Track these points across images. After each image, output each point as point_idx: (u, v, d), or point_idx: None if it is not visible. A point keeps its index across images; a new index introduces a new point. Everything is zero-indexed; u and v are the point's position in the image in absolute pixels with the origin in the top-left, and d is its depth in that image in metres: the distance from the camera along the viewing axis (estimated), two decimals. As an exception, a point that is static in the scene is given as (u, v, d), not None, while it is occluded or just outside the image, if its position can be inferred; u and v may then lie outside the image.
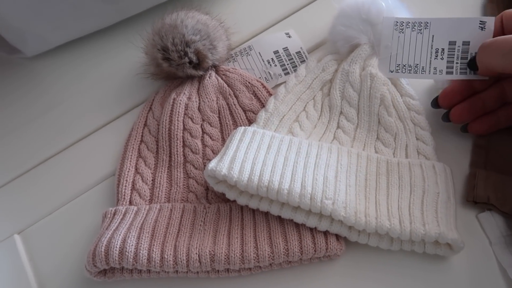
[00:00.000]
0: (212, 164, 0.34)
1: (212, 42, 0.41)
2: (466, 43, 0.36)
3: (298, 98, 0.40)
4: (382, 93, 0.39)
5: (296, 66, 0.45)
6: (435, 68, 0.37)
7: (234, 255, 0.33)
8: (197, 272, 0.34)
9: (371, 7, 0.39)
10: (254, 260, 0.33)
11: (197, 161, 0.40)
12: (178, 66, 0.40)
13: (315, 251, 0.33)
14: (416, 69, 0.37)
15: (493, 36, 0.35)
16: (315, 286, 0.35)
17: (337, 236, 0.34)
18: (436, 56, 0.37)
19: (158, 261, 0.33)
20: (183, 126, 0.41)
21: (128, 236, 0.34)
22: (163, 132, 0.41)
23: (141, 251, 0.33)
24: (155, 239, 0.34)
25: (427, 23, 0.37)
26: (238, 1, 0.50)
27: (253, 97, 0.42)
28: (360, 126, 0.39)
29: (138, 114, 0.43)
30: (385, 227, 0.32)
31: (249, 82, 0.42)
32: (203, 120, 0.41)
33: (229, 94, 0.42)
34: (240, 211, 0.36)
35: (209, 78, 0.42)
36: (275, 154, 0.35)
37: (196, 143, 0.40)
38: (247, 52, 0.46)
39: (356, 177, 0.35)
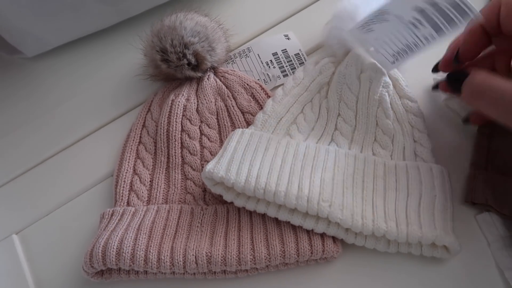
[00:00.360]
0: (209, 166, 0.34)
1: (210, 44, 0.41)
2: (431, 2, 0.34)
3: (296, 101, 0.40)
4: (380, 96, 0.39)
5: (294, 68, 0.45)
6: (425, 38, 0.35)
7: (230, 256, 0.33)
8: (194, 274, 0.34)
9: (364, 10, 0.39)
10: (250, 261, 0.33)
11: (195, 163, 0.40)
12: (177, 67, 0.40)
13: (311, 253, 0.33)
14: (410, 48, 0.37)
15: (486, 22, 0.33)
16: (311, 287, 0.35)
17: (334, 238, 0.34)
18: (416, 27, 0.35)
19: (155, 262, 0.33)
20: (181, 127, 0.41)
21: (125, 237, 0.34)
22: (161, 134, 0.41)
23: (138, 252, 0.33)
24: (152, 240, 0.34)
25: (384, 10, 0.36)
26: (237, 3, 0.50)
27: (252, 99, 0.42)
28: (358, 128, 0.39)
29: (136, 115, 0.43)
30: (382, 229, 0.32)
31: (247, 84, 0.42)
32: (201, 122, 0.41)
33: (228, 96, 0.42)
34: (237, 213, 0.36)
35: (208, 79, 0.43)
36: (273, 157, 0.35)
37: (194, 145, 0.40)
38: (246, 54, 0.46)
39: (353, 179, 0.35)
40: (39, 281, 0.38)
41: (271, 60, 0.45)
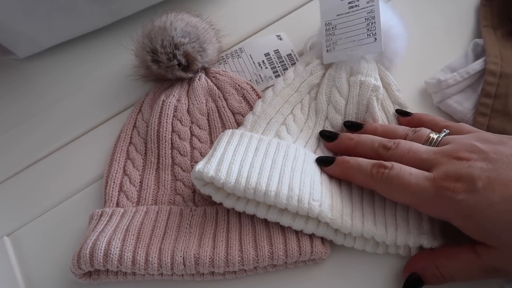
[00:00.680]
0: (199, 166, 0.34)
1: (201, 44, 0.41)
2: None
3: (285, 101, 0.40)
4: (368, 101, 0.39)
5: (287, 68, 0.45)
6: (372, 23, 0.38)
7: (218, 258, 0.32)
8: (182, 275, 0.34)
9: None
10: (238, 263, 0.32)
11: (185, 164, 0.40)
12: (167, 68, 0.40)
13: (300, 254, 0.33)
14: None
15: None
16: (300, 289, 0.34)
17: (323, 240, 0.34)
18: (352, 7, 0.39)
19: (143, 264, 0.33)
20: (172, 128, 0.41)
21: (113, 238, 0.34)
22: (152, 134, 0.41)
23: (125, 254, 0.33)
24: (140, 241, 0.34)
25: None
26: (230, 4, 0.50)
27: (242, 100, 0.42)
28: (345, 132, 0.39)
29: (127, 116, 0.43)
30: (371, 231, 0.32)
31: (238, 85, 0.42)
32: (192, 123, 0.41)
33: (219, 97, 0.42)
34: (226, 214, 0.36)
35: (199, 80, 0.42)
36: (263, 157, 0.35)
37: (185, 145, 0.40)
38: (238, 55, 0.46)
39: (341, 184, 0.36)
40: (31, 283, 0.38)
41: (263, 61, 0.45)
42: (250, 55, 0.46)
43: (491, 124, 0.38)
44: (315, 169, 0.35)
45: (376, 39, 0.38)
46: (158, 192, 0.39)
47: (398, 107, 0.40)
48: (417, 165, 0.31)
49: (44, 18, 0.43)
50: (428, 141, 0.34)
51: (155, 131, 0.41)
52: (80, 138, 0.44)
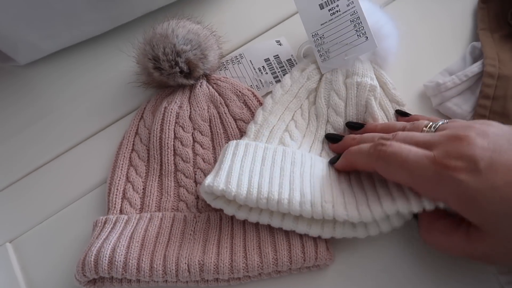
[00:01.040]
0: (208, 180, 0.34)
1: (203, 51, 0.41)
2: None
3: (285, 108, 0.40)
4: (366, 101, 0.40)
5: (287, 73, 0.45)
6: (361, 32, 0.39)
7: (223, 264, 0.33)
8: (187, 282, 0.34)
9: None
10: (243, 270, 0.33)
11: (188, 170, 0.40)
12: (169, 75, 0.40)
13: (304, 260, 0.33)
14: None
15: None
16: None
17: (327, 245, 0.34)
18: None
19: (148, 271, 0.33)
20: (174, 134, 0.41)
21: (118, 246, 0.34)
22: (154, 141, 0.41)
23: (130, 261, 0.33)
24: (145, 248, 0.34)
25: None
26: (230, 10, 0.50)
27: (244, 106, 0.42)
28: (347, 134, 0.39)
29: (129, 123, 0.43)
30: (390, 206, 0.32)
31: (239, 91, 0.43)
32: (194, 129, 0.42)
33: (220, 103, 0.42)
34: (230, 220, 0.36)
35: (200, 87, 0.43)
36: (271, 166, 0.35)
37: (187, 152, 0.40)
38: (238, 60, 0.46)
39: (350, 178, 0.36)
40: (33, 290, 0.38)
41: (263, 66, 0.46)
42: (250, 60, 0.46)
43: None
44: (323, 172, 0.36)
45: (367, 37, 0.38)
46: (161, 198, 0.39)
47: (396, 105, 0.40)
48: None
49: (44, 25, 0.43)
50: (425, 129, 0.33)
51: (158, 138, 0.41)
52: (82, 144, 0.44)
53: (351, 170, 0.36)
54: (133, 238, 0.35)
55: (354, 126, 0.39)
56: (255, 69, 0.46)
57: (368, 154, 0.32)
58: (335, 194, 0.33)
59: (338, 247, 0.35)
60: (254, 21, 0.49)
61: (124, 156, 0.41)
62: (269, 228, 0.35)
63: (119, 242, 0.34)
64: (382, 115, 0.40)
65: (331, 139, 0.39)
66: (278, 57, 0.46)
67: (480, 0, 0.46)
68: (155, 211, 0.38)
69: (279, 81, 0.45)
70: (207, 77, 0.43)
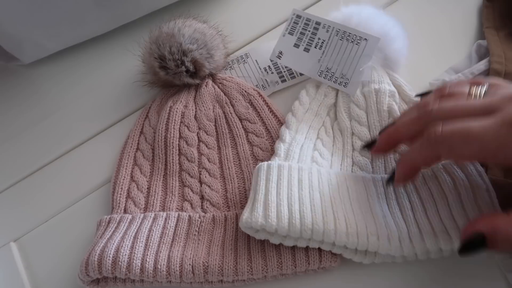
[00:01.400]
0: (246, 215, 0.32)
1: (209, 51, 0.41)
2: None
3: (309, 127, 0.39)
4: (389, 106, 0.39)
5: (292, 73, 0.45)
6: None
7: (228, 267, 0.32)
8: (191, 283, 0.34)
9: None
10: (247, 272, 0.32)
11: (193, 170, 0.40)
12: (175, 74, 0.40)
13: (308, 264, 0.33)
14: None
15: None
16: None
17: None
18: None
19: (152, 271, 0.33)
20: (179, 134, 0.41)
21: (122, 246, 0.33)
22: (159, 140, 0.41)
23: (134, 261, 0.33)
24: (149, 248, 0.34)
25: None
26: (235, 9, 0.50)
27: (249, 106, 0.42)
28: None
29: (134, 122, 0.43)
30: (434, 244, 0.32)
31: (245, 91, 0.42)
32: (199, 129, 0.41)
33: (226, 103, 0.42)
34: (235, 221, 0.36)
35: (206, 86, 0.42)
36: (309, 190, 0.34)
37: (192, 152, 0.40)
38: (244, 60, 0.46)
39: (388, 205, 0.35)
40: (37, 289, 0.38)
41: (269, 66, 0.45)
42: (256, 60, 0.46)
43: None
44: (360, 196, 0.35)
45: (365, 38, 0.38)
46: (165, 198, 0.39)
47: None
48: (471, 116, 0.27)
49: (48, 24, 0.43)
50: (471, 93, 0.29)
51: (163, 137, 0.41)
52: (86, 143, 0.44)
53: (414, 177, 0.32)
54: (137, 238, 0.34)
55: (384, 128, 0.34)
56: (261, 69, 0.45)
57: (424, 146, 0.28)
58: (379, 225, 0.32)
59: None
60: (259, 20, 0.49)
61: (129, 155, 0.41)
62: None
63: (123, 242, 0.34)
64: None
65: (366, 146, 0.35)
66: (284, 57, 0.46)
67: (485, -1, 0.46)
68: (160, 211, 0.38)
69: (284, 80, 0.44)
70: (212, 76, 0.43)
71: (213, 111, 0.42)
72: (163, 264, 0.33)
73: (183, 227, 0.36)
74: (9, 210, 0.42)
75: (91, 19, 0.45)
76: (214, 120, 0.42)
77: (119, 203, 0.38)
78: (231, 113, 0.41)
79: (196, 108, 0.42)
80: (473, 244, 0.27)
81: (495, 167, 0.37)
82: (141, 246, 0.34)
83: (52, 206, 0.41)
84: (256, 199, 0.33)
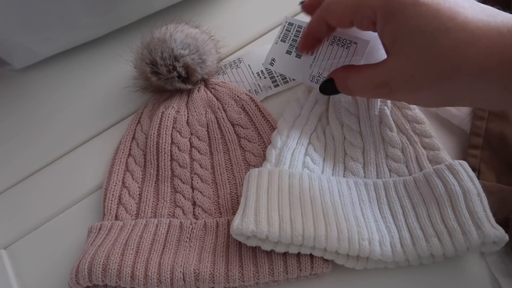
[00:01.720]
0: (236, 222, 0.32)
1: (201, 56, 0.41)
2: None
3: (301, 132, 0.39)
4: (380, 110, 0.39)
5: (285, 78, 0.45)
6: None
7: (219, 274, 0.32)
8: (182, 290, 0.34)
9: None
10: (239, 279, 0.32)
11: (185, 175, 0.39)
12: (167, 80, 0.40)
13: (300, 270, 0.32)
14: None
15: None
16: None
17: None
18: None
19: (142, 279, 0.32)
20: (171, 139, 0.41)
21: (112, 253, 0.33)
22: (151, 146, 0.40)
23: (124, 269, 0.32)
24: (140, 256, 0.34)
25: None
26: (228, 14, 0.50)
27: (242, 111, 0.42)
28: (366, 149, 0.38)
29: (126, 127, 0.43)
30: (425, 249, 0.32)
31: (237, 96, 0.42)
32: (192, 134, 0.41)
33: (218, 108, 0.42)
34: (226, 227, 0.36)
35: (198, 91, 0.42)
36: (300, 195, 0.34)
37: (184, 157, 0.40)
38: (237, 65, 0.46)
39: (380, 209, 0.35)
40: (28, 297, 0.37)
41: (262, 71, 0.45)
42: (248, 65, 0.46)
43: (489, 127, 0.39)
44: (353, 200, 0.35)
45: (355, 42, 0.38)
46: (157, 204, 0.39)
47: (406, 110, 0.39)
48: None
49: (40, 29, 0.43)
50: None
51: (155, 143, 0.40)
52: (78, 148, 0.44)
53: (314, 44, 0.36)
54: (128, 245, 0.34)
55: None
56: (253, 74, 0.45)
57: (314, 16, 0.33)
58: (370, 229, 0.33)
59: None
60: (252, 25, 0.49)
61: (121, 161, 0.41)
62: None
63: (114, 249, 0.34)
64: (399, 123, 0.39)
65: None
66: (277, 61, 0.46)
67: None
68: (151, 217, 0.38)
69: (277, 85, 0.44)
70: (205, 81, 0.43)
71: (206, 116, 0.42)
72: (154, 272, 0.33)
73: (174, 234, 0.36)
74: (0, 217, 0.41)
75: (83, 24, 0.45)
76: (206, 125, 0.41)
77: (111, 209, 0.38)
78: (223, 118, 0.41)
79: (188, 114, 0.42)
80: (325, 84, 0.35)
81: (487, 171, 0.38)
82: (132, 254, 0.34)
83: (43, 212, 0.41)
84: (247, 205, 0.33)
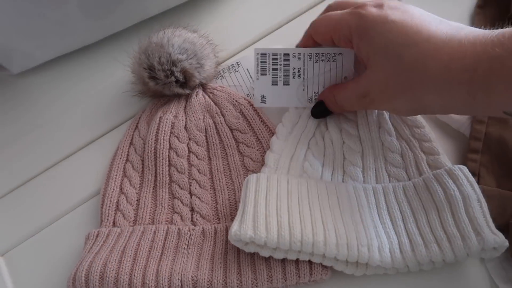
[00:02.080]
0: (235, 228, 0.32)
1: (199, 60, 0.40)
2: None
3: (300, 137, 0.39)
4: (378, 115, 0.39)
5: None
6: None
7: (217, 281, 0.32)
8: (180, 297, 0.33)
9: None
10: (237, 286, 0.32)
11: (183, 181, 0.39)
12: (165, 85, 0.40)
13: (299, 277, 0.32)
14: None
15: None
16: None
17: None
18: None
19: (140, 286, 0.32)
20: (169, 145, 0.40)
21: (110, 260, 0.33)
22: (149, 151, 0.40)
23: (122, 276, 0.32)
24: (137, 263, 0.33)
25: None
26: (226, 18, 0.49)
27: (240, 116, 0.42)
28: (365, 154, 0.38)
29: (124, 132, 0.43)
30: (424, 256, 0.31)
31: (236, 100, 0.42)
32: (190, 139, 0.41)
33: (216, 113, 0.41)
34: (224, 234, 0.36)
35: (196, 96, 0.42)
36: (298, 201, 0.34)
37: (182, 162, 0.40)
38: (235, 69, 0.46)
39: (379, 215, 0.34)
40: (25, 304, 0.37)
41: (260, 75, 0.45)
42: (247, 69, 0.45)
43: (489, 131, 0.38)
44: (352, 205, 0.34)
45: (340, 53, 0.38)
46: (155, 210, 0.38)
47: (405, 117, 0.39)
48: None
49: (37, 34, 0.42)
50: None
51: (152, 148, 0.40)
52: (75, 154, 0.44)
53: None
54: (125, 253, 0.34)
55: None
56: (252, 78, 0.45)
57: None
58: (369, 235, 0.32)
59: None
60: (250, 28, 0.48)
61: (118, 166, 0.40)
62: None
63: (111, 256, 0.33)
64: (399, 128, 0.39)
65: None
66: (275, 65, 0.45)
67: (477, 6, 0.46)
68: (149, 224, 0.38)
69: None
70: (203, 86, 0.43)
71: (204, 121, 0.41)
72: (152, 279, 0.32)
73: (172, 241, 0.36)
74: (-4, 224, 0.41)
75: (80, 29, 0.44)
76: (204, 130, 0.41)
77: (108, 215, 0.38)
78: (221, 123, 0.41)
79: (186, 118, 0.42)
80: (317, 106, 0.38)
81: (487, 175, 0.37)
82: (129, 261, 0.33)
83: (40, 219, 0.41)
84: (245, 211, 0.33)
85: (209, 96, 0.42)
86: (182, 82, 0.40)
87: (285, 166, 0.37)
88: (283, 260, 0.33)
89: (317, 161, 0.38)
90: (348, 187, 0.36)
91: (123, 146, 0.41)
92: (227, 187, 0.39)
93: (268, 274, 0.32)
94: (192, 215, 0.38)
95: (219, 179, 0.39)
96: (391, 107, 0.34)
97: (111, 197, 0.39)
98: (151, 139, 0.40)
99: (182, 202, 0.38)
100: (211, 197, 0.39)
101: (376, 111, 0.39)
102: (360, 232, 0.32)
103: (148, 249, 0.35)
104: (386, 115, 0.39)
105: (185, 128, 0.41)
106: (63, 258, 0.38)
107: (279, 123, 0.40)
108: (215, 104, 0.42)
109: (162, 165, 0.40)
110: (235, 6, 0.50)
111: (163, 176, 0.39)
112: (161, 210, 0.38)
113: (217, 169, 0.40)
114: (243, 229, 0.31)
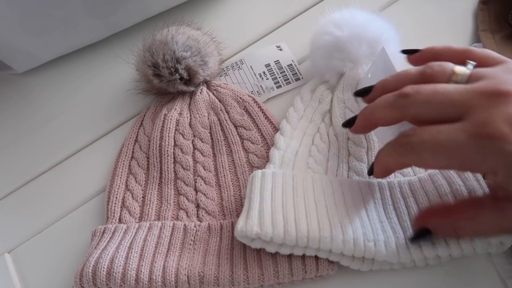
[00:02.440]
0: (240, 224, 0.32)
1: (203, 58, 0.41)
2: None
3: (304, 133, 0.39)
4: None
5: (288, 79, 0.44)
6: None
7: (223, 276, 0.32)
8: (187, 293, 0.34)
9: (347, 42, 0.39)
10: (244, 281, 0.32)
11: (188, 178, 0.39)
12: (169, 82, 0.40)
13: (305, 272, 0.32)
14: None
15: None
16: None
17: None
18: None
19: (147, 282, 0.32)
20: (174, 142, 0.41)
21: (116, 256, 0.33)
22: (154, 148, 0.40)
23: (129, 272, 0.32)
24: (144, 259, 0.33)
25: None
26: (229, 15, 0.50)
27: (244, 113, 0.42)
28: (370, 148, 0.38)
29: (129, 130, 0.43)
30: (431, 250, 0.32)
31: (240, 97, 0.42)
32: (194, 136, 0.41)
33: (220, 110, 0.42)
34: (230, 229, 0.36)
35: (201, 93, 0.42)
36: (303, 196, 0.34)
37: (187, 159, 0.40)
38: (239, 66, 0.46)
39: (385, 210, 0.34)
40: (32, 301, 0.37)
41: (264, 72, 0.45)
42: (250, 66, 0.46)
43: None
44: (356, 201, 0.34)
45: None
46: (161, 207, 0.39)
47: None
48: (447, 110, 0.26)
49: (41, 33, 0.43)
50: (454, 77, 0.27)
51: (157, 145, 0.40)
52: (80, 152, 0.44)
53: (388, 175, 0.32)
54: (132, 248, 0.34)
55: (362, 93, 0.33)
56: (255, 75, 0.45)
57: (395, 153, 0.28)
58: (375, 230, 0.32)
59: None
60: (254, 25, 0.48)
61: (124, 164, 0.41)
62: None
63: (118, 252, 0.34)
64: None
65: (347, 125, 0.34)
66: (279, 62, 0.45)
67: (480, 1, 0.46)
68: (155, 220, 0.38)
69: (280, 86, 0.44)
70: (207, 83, 0.43)
71: (208, 118, 0.42)
72: (158, 275, 0.32)
73: (178, 237, 0.36)
74: (3, 221, 0.41)
75: (84, 28, 0.45)
76: (209, 127, 0.41)
77: (114, 212, 0.38)
78: (226, 120, 0.41)
79: (190, 116, 0.42)
80: (422, 237, 0.31)
81: None
82: (136, 257, 0.33)
83: (47, 216, 0.41)
84: (250, 207, 0.33)
85: (213, 93, 0.43)
86: (186, 80, 0.40)
87: (290, 162, 0.37)
88: (290, 256, 0.33)
89: (322, 157, 0.38)
90: (353, 183, 0.36)
91: (128, 144, 0.42)
92: (232, 184, 0.39)
93: (274, 269, 0.32)
94: (197, 211, 0.38)
95: (224, 175, 0.39)
96: None
97: (116, 194, 0.39)
98: (156, 136, 0.41)
99: (187, 199, 0.39)
100: (217, 193, 0.39)
101: None
102: (366, 227, 0.32)
103: (155, 245, 0.35)
104: None
105: (190, 125, 0.41)
106: (69, 255, 0.38)
107: (283, 119, 0.41)
108: (220, 101, 0.42)
109: (167, 162, 0.40)
110: (238, 4, 0.50)
111: (168, 173, 0.40)
112: (167, 207, 0.38)
113: (222, 165, 0.40)
114: (249, 225, 0.32)
